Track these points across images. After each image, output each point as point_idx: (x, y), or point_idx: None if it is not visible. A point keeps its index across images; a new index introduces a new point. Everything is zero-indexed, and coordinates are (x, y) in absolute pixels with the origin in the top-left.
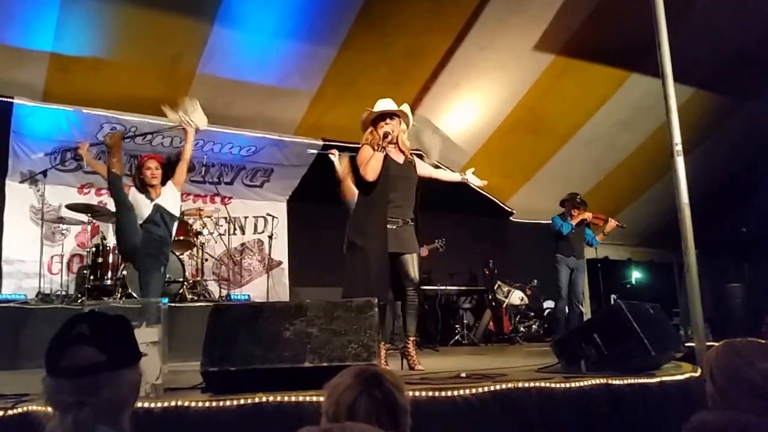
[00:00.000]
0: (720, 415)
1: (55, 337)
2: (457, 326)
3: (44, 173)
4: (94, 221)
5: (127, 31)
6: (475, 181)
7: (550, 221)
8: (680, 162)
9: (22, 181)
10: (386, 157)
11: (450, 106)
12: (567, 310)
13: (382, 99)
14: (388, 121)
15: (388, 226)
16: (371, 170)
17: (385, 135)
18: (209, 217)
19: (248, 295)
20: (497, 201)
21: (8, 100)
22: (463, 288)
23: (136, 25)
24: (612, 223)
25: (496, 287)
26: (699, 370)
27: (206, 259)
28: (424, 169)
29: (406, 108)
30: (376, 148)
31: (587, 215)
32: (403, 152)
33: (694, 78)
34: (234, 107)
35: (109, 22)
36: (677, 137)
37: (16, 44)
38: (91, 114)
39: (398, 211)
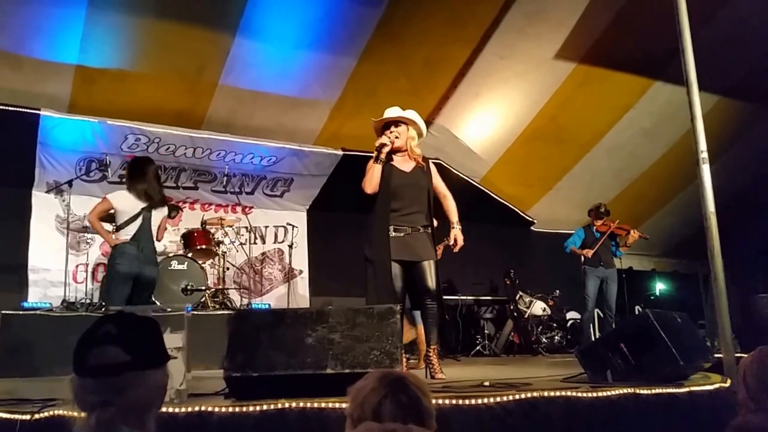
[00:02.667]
0: (766, 417)
1: (83, 337)
2: (478, 336)
3: (69, 183)
4: None
5: (151, 44)
6: (455, 240)
7: (574, 232)
8: (706, 170)
9: (48, 191)
10: (389, 167)
11: (470, 116)
12: (595, 322)
13: (390, 108)
14: (392, 129)
15: (394, 234)
16: (368, 183)
17: (380, 146)
18: (231, 226)
19: (269, 304)
20: (518, 210)
21: (35, 111)
22: (485, 298)
23: (159, 38)
24: (635, 234)
25: (517, 297)
26: (729, 381)
27: (227, 268)
28: (437, 183)
29: (411, 114)
30: (374, 160)
31: (611, 225)
32: (414, 159)
33: (719, 85)
34: (255, 118)
35: (133, 34)
36: (703, 145)
37: (43, 57)
38: (115, 125)
39: (405, 219)
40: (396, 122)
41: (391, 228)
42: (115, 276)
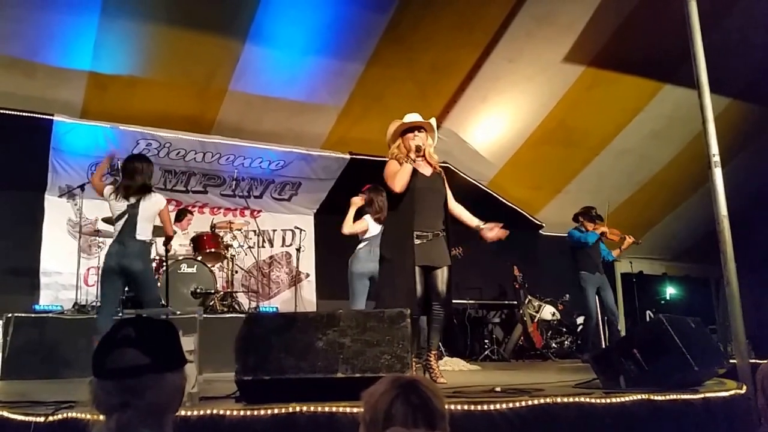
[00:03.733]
0: None
1: (102, 340)
2: (486, 341)
3: (82, 188)
4: None
5: (162, 50)
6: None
7: (567, 236)
8: (718, 173)
9: (60, 196)
10: (413, 171)
11: (477, 119)
12: (606, 328)
13: (409, 113)
14: (416, 133)
15: (417, 240)
16: (399, 182)
17: (418, 148)
18: (239, 230)
19: (276, 307)
20: (526, 214)
21: (48, 117)
22: (493, 302)
23: (170, 45)
24: (629, 239)
25: (526, 302)
26: (744, 387)
27: (236, 271)
28: (449, 189)
29: (433, 122)
30: (404, 161)
31: (605, 229)
32: (431, 165)
33: (730, 88)
34: (264, 123)
35: (144, 41)
36: (714, 148)
37: (56, 64)
38: (127, 130)
39: (427, 223)
40: (418, 128)
41: (415, 233)
42: (102, 273)
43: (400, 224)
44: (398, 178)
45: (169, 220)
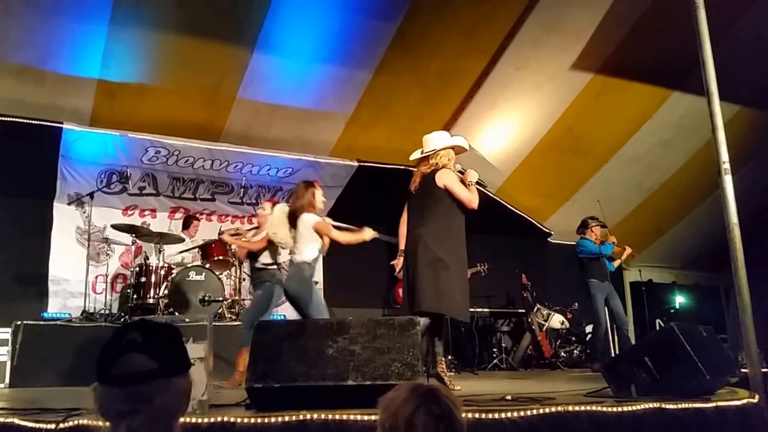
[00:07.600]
0: None
1: (106, 346)
2: (494, 350)
3: (91, 195)
4: (138, 241)
5: (171, 58)
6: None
7: (577, 246)
8: (728, 181)
9: (69, 203)
10: None
11: (485, 126)
12: (615, 337)
13: (458, 136)
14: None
15: None
16: (477, 202)
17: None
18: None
19: (284, 315)
20: (535, 222)
21: (58, 125)
22: (501, 310)
23: (179, 53)
24: (627, 250)
25: (535, 310)
26: (756, 396)
27: (243, 279)
28: None
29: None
30: (468, 184)
31: (613, 238)
32: None
33: (739, 95)
34: (272, 130)
35: (153, 49)
36: (725, 156)
37: (66, 72)
38: (136, 138)
39: None
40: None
41: None
42: None
43: (461, 237)
44: (478, 199)
45: None
